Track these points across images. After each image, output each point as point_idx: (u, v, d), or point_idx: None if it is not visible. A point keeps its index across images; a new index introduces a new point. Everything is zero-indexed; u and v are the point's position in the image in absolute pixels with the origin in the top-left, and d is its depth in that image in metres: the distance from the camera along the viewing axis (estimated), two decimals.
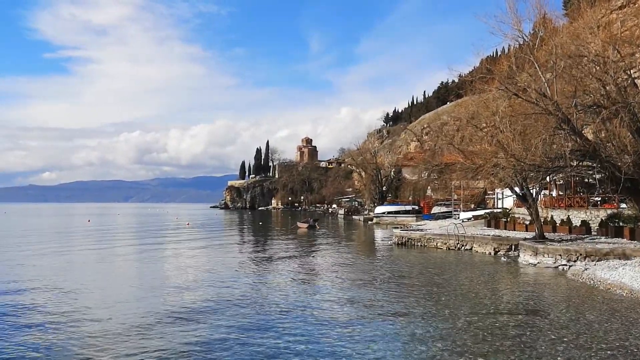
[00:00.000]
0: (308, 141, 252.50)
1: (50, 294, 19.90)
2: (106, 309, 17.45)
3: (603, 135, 26.17)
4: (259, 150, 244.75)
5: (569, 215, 37.35)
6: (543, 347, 12.52)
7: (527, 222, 38.60)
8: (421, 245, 39.84)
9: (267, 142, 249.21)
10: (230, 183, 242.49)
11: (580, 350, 12.23)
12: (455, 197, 67.72)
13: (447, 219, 59.11)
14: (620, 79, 24.83)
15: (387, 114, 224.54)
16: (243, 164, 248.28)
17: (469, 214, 59.97)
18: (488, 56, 39.37)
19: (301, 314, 16.41)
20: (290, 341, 13.11)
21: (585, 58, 25.19)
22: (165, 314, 16.40)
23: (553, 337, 13.51)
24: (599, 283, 21.35)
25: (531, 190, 33.20)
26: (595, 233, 33.91)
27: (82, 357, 11.86)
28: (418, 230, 46.16)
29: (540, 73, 26.37)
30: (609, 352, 12.10)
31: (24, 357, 11.90)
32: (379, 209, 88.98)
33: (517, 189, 34.26)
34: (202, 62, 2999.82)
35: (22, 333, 14.02)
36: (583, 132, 26.38)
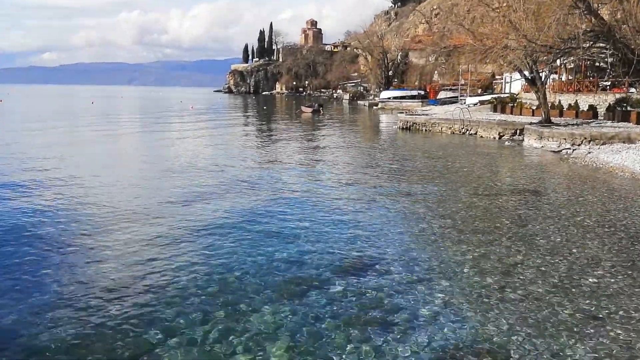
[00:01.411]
0: (313, 23, 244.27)
1: (55, 176, 20.16)
2: (112, 192, 17.80)
3: (619, 15, 25.12)
4: (262, 33, 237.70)
5: (576, 100, 36.84)
6: (541, 225, 12.81)
7: (534, 107, 38.21)
8: (426, 130, 39.78)
9: (271, 24, 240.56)
10: (233, 67, 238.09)
11: (577, 228, 12.52)
12: (462, 82, 66.60)
13: (453, 104, 58.56)
14: None
15: None
16: (246, 47, 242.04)
17: (476, 99, 59.32)
18: None
19: (304, 195, 16.69)
20: (293, 221, 13.41)
21: None
22: (170, 197, 16.71)
23: (551, 215, 13.79)
24: (601, 166, 21.49)
25: (540, 74, 32.52)
26: (602, 117, 33.65)
27: (84, 240, 12.20)
28: (423, 115, 45.89)
29: None
30: (605, 229, 12.39)
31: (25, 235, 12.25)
32: (385, 94, 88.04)
33: (526, 73, 33.56)
34: None
35: (22, 213, 14.37)
36: (599, 11, 25.28)
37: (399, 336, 7.16)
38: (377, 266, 9.95)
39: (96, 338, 7.03)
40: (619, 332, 7.23)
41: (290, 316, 7.75)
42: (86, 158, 25.37)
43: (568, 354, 6.63)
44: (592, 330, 7.27)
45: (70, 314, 7.73)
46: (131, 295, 8.46)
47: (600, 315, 7.76)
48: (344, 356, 6.61)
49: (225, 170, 21.30)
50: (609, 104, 33.95)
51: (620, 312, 7.85)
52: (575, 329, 7.32)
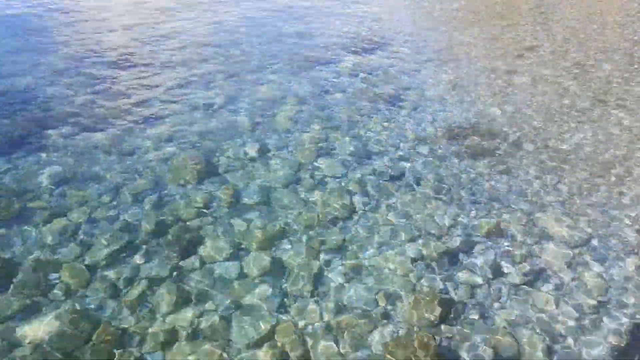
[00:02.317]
0: None
1: None
2: None
3: None
4: None
5: None
6: (562, 12, 12.22)
7: None
8: None
9: None
10: None
11: (598, 17, 11.95)
12: None
13: None
14: None
15: None
16: None
17: None
18: None
19: None
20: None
21: None
22: None
23: (574, 2, 13.07)
24: None
25: None
26: None
27: (92, 19, 11.70)
28: None
29: None
30: (628, 19, 11.83)
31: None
32: None
33: None
34: None
35: None
36: None
37: (405, 112, 7.23)
38: (386, 46, 9.70)
39: (104, 101, 7.14)
40: (623, 116, 7.27)
41: (296, 87, 7.74)
42: None
43: (567, 136, 6.75)
44: (596, 115, 7.32)
45: (81, 79, 7.77)
46: (137, 65, 8.38)
47: (607, 101, 7.75)
48: (349, 125, 6.74)
49: None
50: None
51: (628, 99, 7.82)
52: (579, 113, 7.36)
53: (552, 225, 5.03)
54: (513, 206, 5.32)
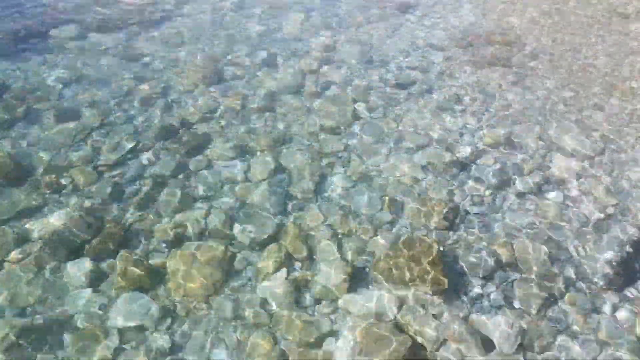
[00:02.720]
0: None
1: None
2: None
3: None
4: None
5: None
6: None
7: None
8: None
9: None
10: None
11: None
12: None
13: None
14: None
15: None
16: None
17: None
18: None
19: None
20: None
21: None
22: None
23: None
24: None
25: None
26: None
27: None
28: None
29: None
30: None
31: None
32: None
33: None
34: None
35: None
36: None
37: (417, 19, 7.06)
38: None
39: (110, 3, 6.97)
40: None
41: None
42: None
43: (584, 49, 6.55)
44: (616, 28, 7.06)
45: None
46: None
47: (628, 14, 7.45)
48: (358, 32, 6.58)
49: None
50: None
51: None
52: (599, 25, 7.10)
53: (562, 138, 4.96)
54: (524, 117, 5.24)
